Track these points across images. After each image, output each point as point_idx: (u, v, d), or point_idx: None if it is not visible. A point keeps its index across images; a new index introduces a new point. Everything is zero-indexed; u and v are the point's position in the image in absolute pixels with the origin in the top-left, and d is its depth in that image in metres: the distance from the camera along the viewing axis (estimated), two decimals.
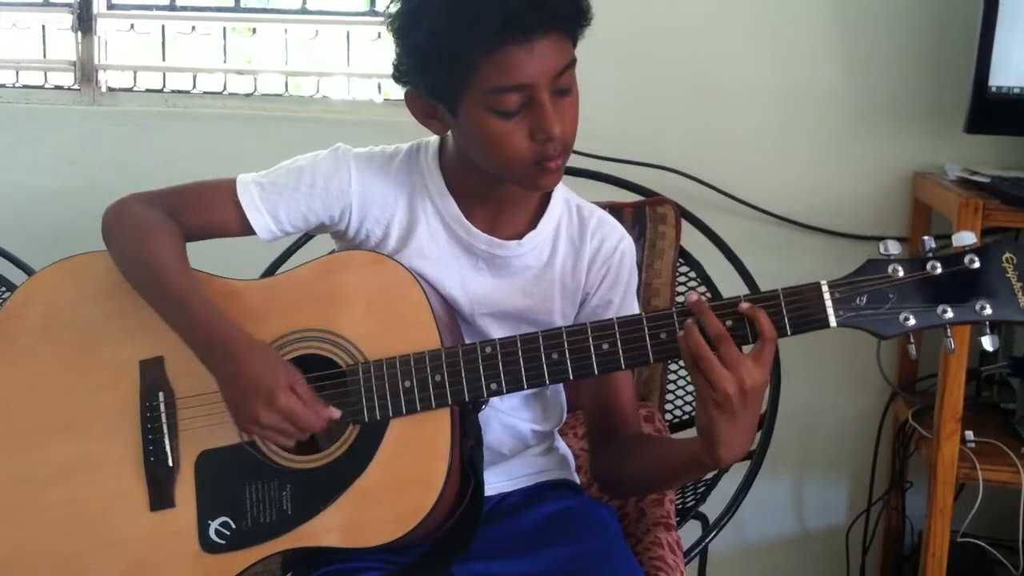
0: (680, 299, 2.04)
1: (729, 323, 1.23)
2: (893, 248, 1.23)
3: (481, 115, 1.28)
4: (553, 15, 1.24)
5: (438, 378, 1.30)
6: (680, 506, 1.84)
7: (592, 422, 1.52)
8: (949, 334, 1.24)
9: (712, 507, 1.83)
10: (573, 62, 1.29)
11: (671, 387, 2.10)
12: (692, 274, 2.07)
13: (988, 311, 1.20)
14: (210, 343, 1.30)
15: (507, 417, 1.47)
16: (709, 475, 1.88)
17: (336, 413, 1.30)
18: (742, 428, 1.23)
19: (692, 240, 2.07)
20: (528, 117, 1.27)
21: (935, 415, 1.98)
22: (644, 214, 2.00)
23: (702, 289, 2.05)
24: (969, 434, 2.00)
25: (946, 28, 2.26)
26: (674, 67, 2.38)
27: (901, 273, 1.22)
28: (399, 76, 1.35)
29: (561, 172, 1.34)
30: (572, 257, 1.46)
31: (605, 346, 1.28)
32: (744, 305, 1.23)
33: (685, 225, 2.04)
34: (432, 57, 1.28)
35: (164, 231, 1.38)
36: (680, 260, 2.03)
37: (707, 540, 1.78)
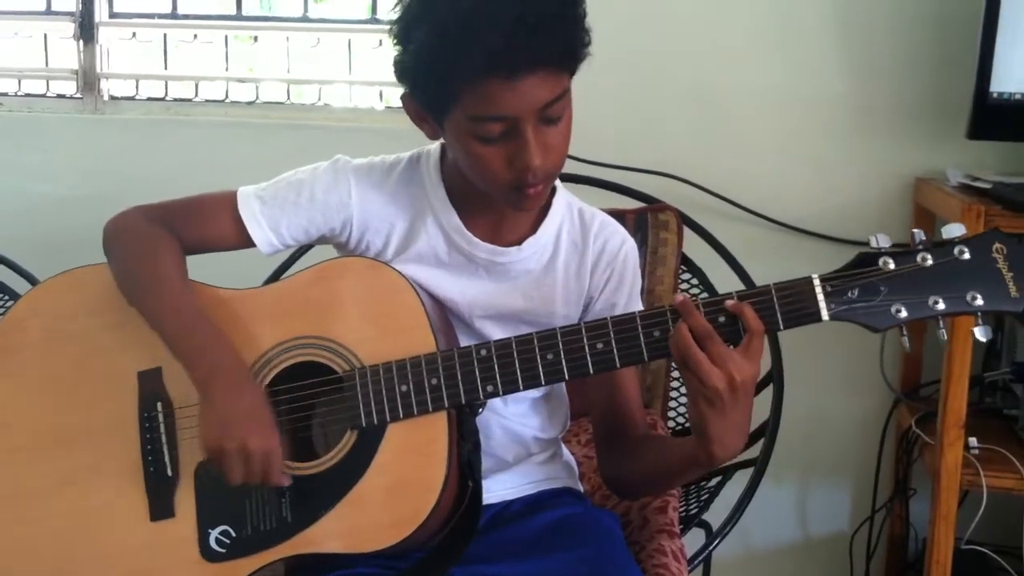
0: None
1: (722, 319, 1.24)
2: (883, 241, 1.24)
3: (463, 135, 1.28)
4: (539, 56, 1.22)
5: (434, 381, 1.29)
6: (683, 513, 1.83)
7: (599, 424, 1.52)
8: (942, 325, 1.24)
9: (715, 514, 1.82)
10: (564, 92, 1.27)
11: (674, 394, 2.09)
12: (694, 280, 2.07)
13: (979, 301, 1.21)
14: (204, 366, 1.30)
15: (511, 424, 1.47)
16: (713, 482, 1.88)
17: (286, 481, 1.29)
18: (734, 424, 1.24)
19: (694, 246, 2.07)
20: (509, 145, 1.26)
21: (938, 421, 1.98)
22: (646, 221, 2.00)
23: (703, 296, 2.05)
24: (973, 440, 2.00)
25: (947, 34, 2.25)
26: (676, 73, 2.38)
27: (892, 266, 1.22)
28: (397, 77, 1.35)
29: (543, 196, 1.34)
30: (576, 260, 1.46)
31: (600, 345, 1.28)
32: (730, 302, 1.24)
33: (687, 231, 2.03)
34: (418, 76, 1.28)
35: (164, 247, 1.38)
36: (682, 267, 2.03)
37: (711, 548, 1.77)
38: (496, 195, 1.33)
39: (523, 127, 1.25)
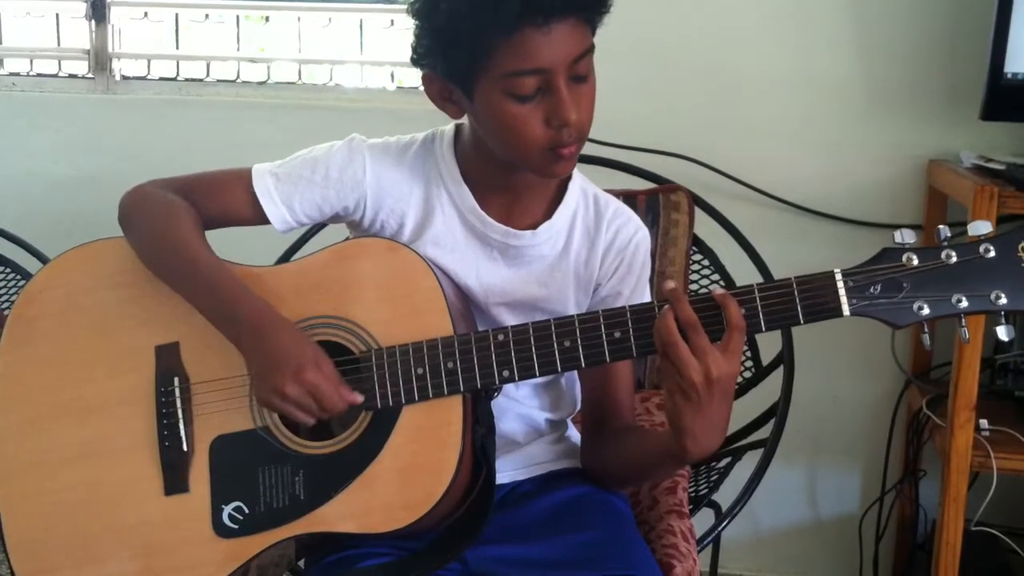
0: (693, 287, 2.04)
1: (708, 313, 1.22)
2: (908, 237, 1.22)
3: (497, 99, 1.28)
4: (573, 1, 1.24)
5: (450, 365, 1.30)
6: (693, 494, 1.84)
7: (589, 411, 1.52)
8: (963, 324, 1.23)
9: (725, 495, 1.83)
10: (591, 49, 1.29)
11: None
12: (705, 262, 2.06)
13: (1003, 300, 1.19)
14: (238, 318, 1.31)
15: (521, 406, 1.48)
16: (723, 462, 1.88)
17: (359, 398, 1.30)
18: (709, 420, 1.23)
19: (706, 228, 2.06)
20: (544, 102, 1.27)
21: (949, 403, 1.98)
22: (658, 202, 1.99)
23: (715, 277, 2.05)
24: (983, 422, 2.00)
25: (961, 15, 2.25)
26: (689, 54, 2.37)
27: (916, 262, 1.21)
28: (417, 58, 1.34)
29: (575, 160, 1.34)
30: (587, 247, 1.45)
31: (617, 334, 1.28)
32: (717, 291, 1.24)
33: (699, 213, 2.03)
34: (450, 39, 1.27)
35: (184, 213, 1.39)
36: (694, 248, 2.03)
37: (720, 528, 1.77)
38: (528, 161, 1.33)
39: (557, 82, 1.26)
